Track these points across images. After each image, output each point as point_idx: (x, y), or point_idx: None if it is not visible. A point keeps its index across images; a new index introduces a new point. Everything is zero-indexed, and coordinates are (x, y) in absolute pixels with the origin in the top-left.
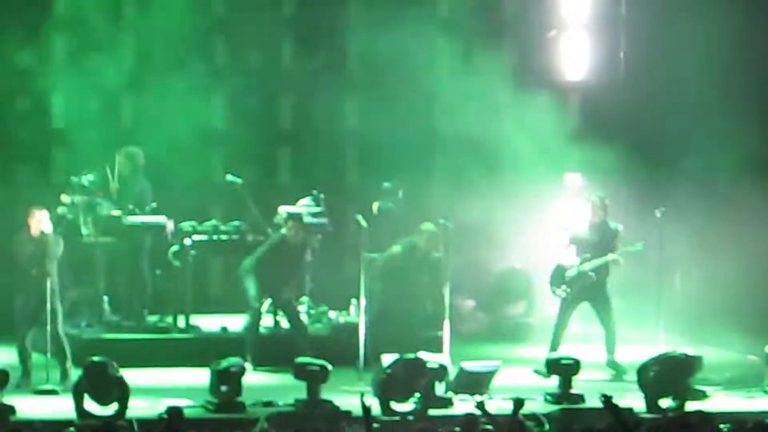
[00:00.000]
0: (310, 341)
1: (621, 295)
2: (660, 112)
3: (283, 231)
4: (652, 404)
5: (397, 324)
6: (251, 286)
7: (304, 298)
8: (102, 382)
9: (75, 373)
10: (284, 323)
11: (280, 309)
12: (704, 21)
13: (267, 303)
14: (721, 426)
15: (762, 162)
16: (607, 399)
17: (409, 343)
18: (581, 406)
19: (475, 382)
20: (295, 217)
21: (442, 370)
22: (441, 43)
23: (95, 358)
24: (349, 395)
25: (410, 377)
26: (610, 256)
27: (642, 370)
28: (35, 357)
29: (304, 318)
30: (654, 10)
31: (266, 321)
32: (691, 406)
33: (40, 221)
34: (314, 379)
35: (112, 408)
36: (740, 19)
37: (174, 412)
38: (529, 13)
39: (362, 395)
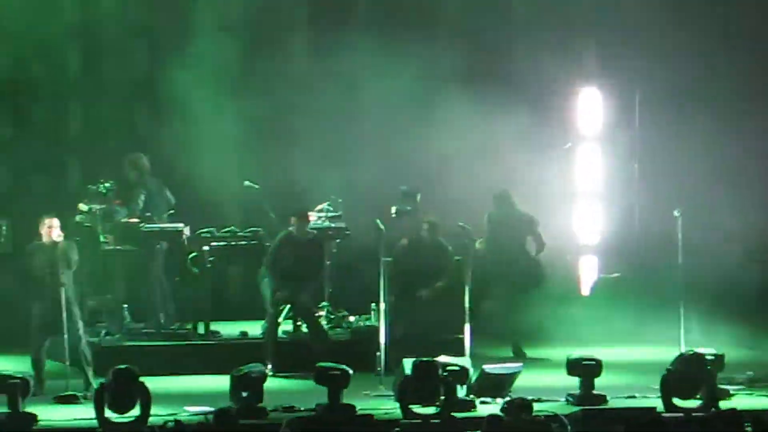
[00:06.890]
0: (329, 348)
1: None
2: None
3: (290, 228)
4: (671, 404)
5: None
6: (267, 291)
7: (324, 303)
8: (125, 390)
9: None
10: (304, 328)
11: (298, 316)
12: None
13: (285, 309)
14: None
15: None
16: None
17: (431, 346)
18: (603, 406)
19: (496, 385)
20: (299, 213)
21: (463, 373)
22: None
23: (121, 366)
24: (370, 399)
25: (431, 380)
26: None
27: (665, 371)
28: (55, 366)
29: (323, 324)
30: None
31: (286, 326)
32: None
33: (51, 229)
34: (335, 383)
35: (132, 415)
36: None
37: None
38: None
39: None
